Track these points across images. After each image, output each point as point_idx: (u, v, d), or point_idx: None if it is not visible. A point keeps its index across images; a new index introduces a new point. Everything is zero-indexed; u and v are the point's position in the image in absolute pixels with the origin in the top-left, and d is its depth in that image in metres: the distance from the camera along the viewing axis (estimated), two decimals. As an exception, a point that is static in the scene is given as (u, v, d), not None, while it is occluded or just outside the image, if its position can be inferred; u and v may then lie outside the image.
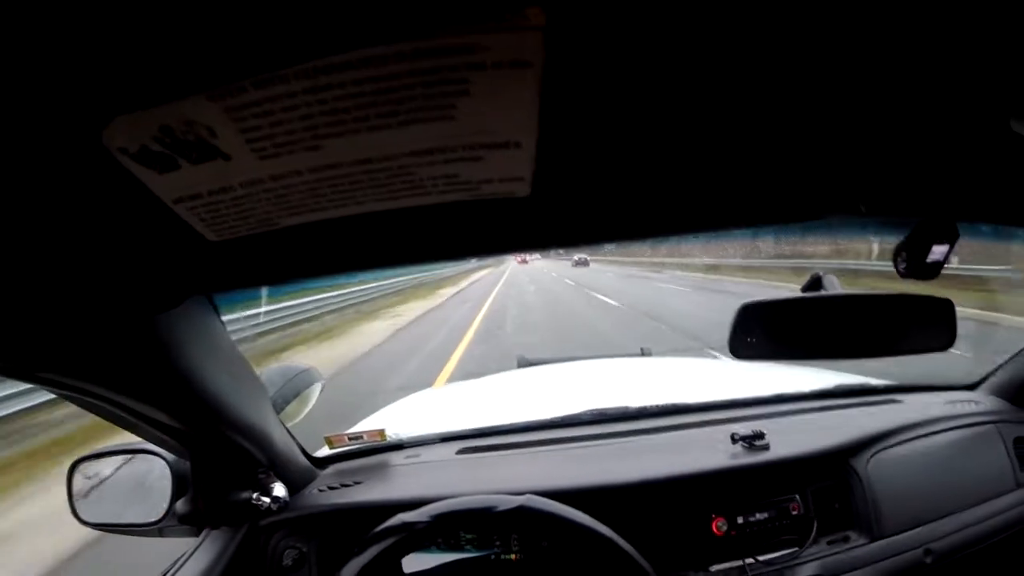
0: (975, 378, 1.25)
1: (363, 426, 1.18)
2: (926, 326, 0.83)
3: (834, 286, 0.79)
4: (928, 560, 0.92)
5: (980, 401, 1.16)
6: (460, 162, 0.29)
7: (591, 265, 32.94)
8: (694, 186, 0.39)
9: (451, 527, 0.69)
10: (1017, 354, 1.17)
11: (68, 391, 0.51)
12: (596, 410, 1.14)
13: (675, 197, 0.41)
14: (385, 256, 0.44)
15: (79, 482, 0.91)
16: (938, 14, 0.23)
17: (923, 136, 0.36)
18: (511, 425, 1.12)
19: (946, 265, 0.59)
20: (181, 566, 0.81)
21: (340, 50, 0.21)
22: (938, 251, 0.62)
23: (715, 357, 3.24)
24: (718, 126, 0.31)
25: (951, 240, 0.60)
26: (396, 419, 1.34)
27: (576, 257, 34.88)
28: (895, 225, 0.68)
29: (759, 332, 0.73)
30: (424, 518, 0.66)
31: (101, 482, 0.95)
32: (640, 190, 0.38)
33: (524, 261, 49.38)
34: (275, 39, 0.20)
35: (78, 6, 0.17)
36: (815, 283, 0.79)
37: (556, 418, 1.13)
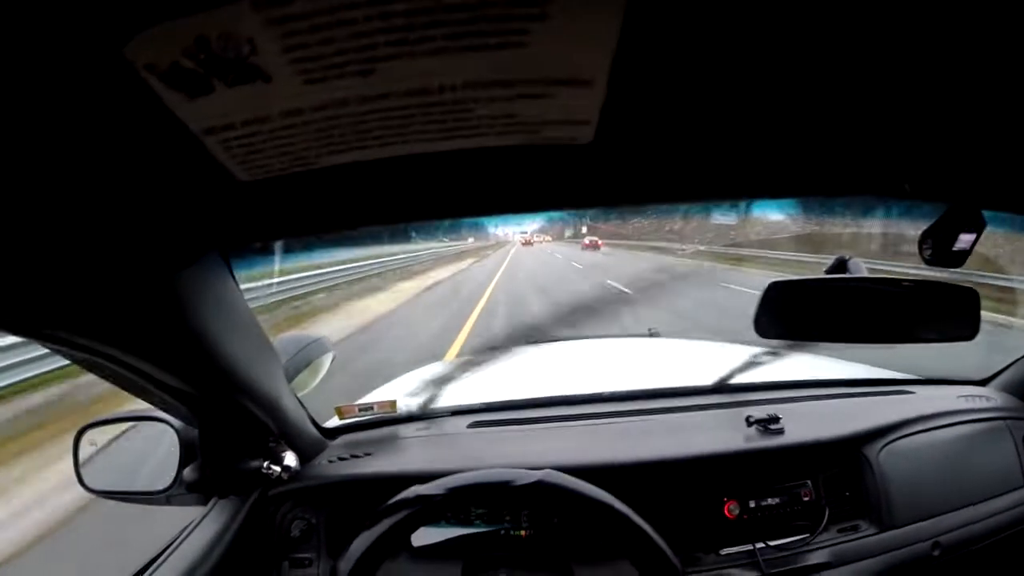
0: (987, 374, 1.24)
1: (374, 397, 1.17)
2: (950, 315, 0.82)
3: (859, 269, 0.78)
4: (936, 553, 0.92)
5: (991, 397, 1.16)
6: (523, 99, 0.27)
7: (602, 248, 29.54)
8: (752, 149, 0.38)
9: (466, 501, 0.68)
10: None
11: (76, 350, 0.48)
12: (609, 389, 1.14)
13: (731, 159, 0.39)
14: (426, 207, 0.41)
15: (86, 449, 0.90)
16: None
17: (976, 119, 0.34)
18: (523, 400, 1.11)
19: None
20: (188, 535, 0.80)
21: None
22: (965, 239, 0.61)
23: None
24: (784, 91, 0.30)
25: (978, 229, 0.59)
26: (407, 391, 1.34)
27: (585, 241, 32.25)
28: (925, 211, 0.67)
29: (784, 312, 0.72)
30: (440, 491, 0.65)
31: (108, 449, 0.94)
32: (700, 149, 0.37)
33: (528, 243, 46.19)
34: None
35: None
36: (840, 265, 0.78)
37: (569, 395, 1.12)
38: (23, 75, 0.22)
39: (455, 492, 0.65)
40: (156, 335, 0.51)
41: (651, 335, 1.81)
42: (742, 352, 1.52)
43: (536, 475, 0.65)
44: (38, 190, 0.29)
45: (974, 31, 0.25)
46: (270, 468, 0.79)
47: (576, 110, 0.29)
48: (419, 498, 0.65)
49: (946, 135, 0.37)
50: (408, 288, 11.22)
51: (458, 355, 4.90)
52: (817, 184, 0.45)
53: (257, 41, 0.21)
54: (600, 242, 31.58)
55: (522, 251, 32.37)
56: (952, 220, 0.59)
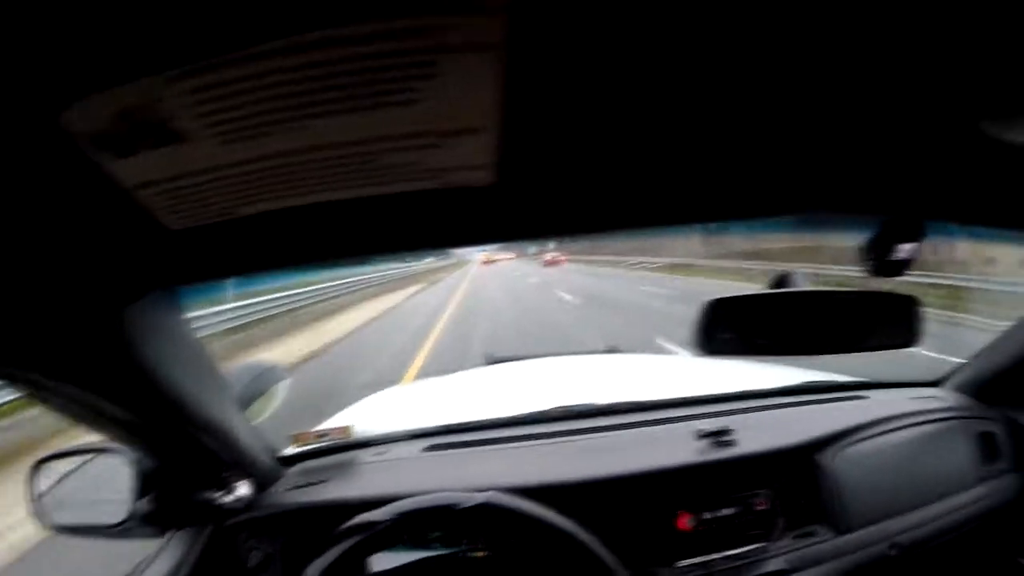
0: (940, 375, 1.27)
1: (330, 423, 1.17)
2: (892, 323, 0.84)
3: (801, 283, 0.80)
4: (893, 553, 0.94)
5: (944, 397, 1.19)
6: (423, 149, 0.29)
7: (565, 264, 29.45)
8: (658, 181, 0.39)
9: (415, 526, 0.68)
10: (980, 352, 1.20)
11: (29, 387, 0.50)
12: (564, 407, 1.14)
13: (639, 192, 0.40)
14: (349, 248, 0.44)
15: (41, 483, 0.89)
16: (912, 18, 0.23)
17: (898, 136, 0.36)
18: (479, 422, 1.11)
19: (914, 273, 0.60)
20: (145, 568, 0.79)
21: (303, 30, 0.20)
22: (904, 249, 0.63)
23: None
24: (687, 118, 0.31)
25: (918, 238, 0.61)
26: (364, 416, 1.33)
27: (547, 256, 31.39)
28: (864, 223, 0.69)
29: (726, 328, 0.74)
30: (386, 517, 0.66)
31: (64, 483, 0.93)
32: (606, 182, 0.38)
33: (490, 261, 42.98)
34: (237, 18, 0.20)
35: None
36: (782, 281, 0.80)
37: (524, 415, 1.13)
38: None
39: (402, 517, 0.66)
40: (106, 370, 0.52)
41: (609, 351, 1.83)
42: (697, 365, 1.54)
43: (480, 498, 0.66)
44: None
45: (888, 52, 0.26)
46: (224, 499, 0.79)
47: (473, 156, 0.30)
48: (367, 524, 0.65)
49: (870, 152, 0.39)
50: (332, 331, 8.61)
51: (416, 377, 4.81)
52: (741, 207, 0.47)
53: (174, 109, 0.23)
54: (563, 258, 30.84)
55: (483, 271, 30.62)
56: (891, 231, 0.62)
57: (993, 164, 0.38)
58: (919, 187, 0.47)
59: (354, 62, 0.22)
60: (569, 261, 31.41)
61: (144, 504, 0.77)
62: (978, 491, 1.07)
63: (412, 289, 18.48)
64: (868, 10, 0.22)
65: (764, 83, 0.28)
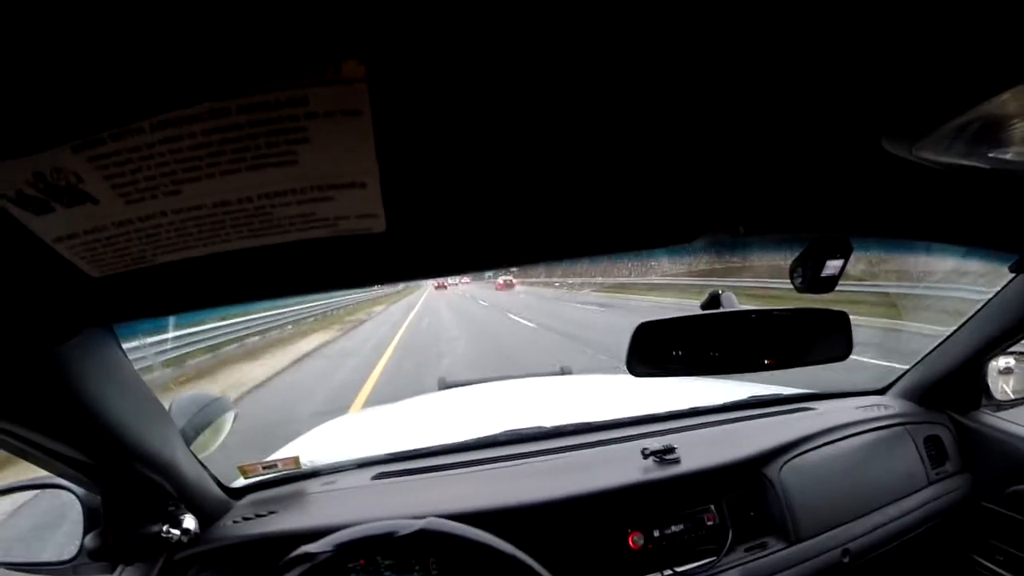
0: (884, 383, 1.31)
1: (279, 454, 1.17)
2: (825, 338, 0.87)
3: (732, 303, 0.83)
4: (846, 560, 0.96)
5: (890, 404, 1.22)
6: (313, 202, 0.30)
7: (516, 287, 29.40)
8: (552, 215, 0.40)
9: (358, 554, 0.69)
10: (923, 358, 1.24)
11: None
12: (512, 430, 1.15)
13: (534, 227, 0.42)
14: (260, 289, 0.45)
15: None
16: (811, 38, 0.24)
17: (799, 156, 0.37)
18: (428, 448, 1.12)
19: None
20: None
21: (183, 104, 0.23)
22: (833, 265, 0.65)
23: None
24: (567, 156, 0.33)
25: (845, 254, 0.63)
26: (313, 446, 1.32)
27: (501, 279, 30.19)
28: (781, 242, 0.72)
29: (657, 351, 0.76)
30: (327, 548, 0.66)
31: (9, 519, 0.92)
32: (496, 221, 0.40)
33: (443, 286, 39.26)
34: (126, 95, 0.22)
35: None
36: (713, 301, 0.82)
37: (473, 440, 1.14)
38: None
39: (341, 548, 0.66)
40: (45, 408, 0.53)
41: (562, 372, 1.85)
42: (645, 385, 1.56)
43: (419, 524, 0.67)
44: None
45: (793, 74, 0.27)
46: (170, 532, 0.79)
47: (362, 207, 0.32)
48: (306, 555, 0.66)
49: (771, 175, 0.40)
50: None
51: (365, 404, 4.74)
52: (636, 238, 0.48)
53: (81, 174, 0.25)
54: (515, 281, 30.67)
55: (434, 297, 28.57)
56: (819, 248, 0.64)
57: (897, 180, 0.40)
58: (831, 206, 0.49)
59: (235, 130, 0.24)
60: (520, 283, 31.33)
61: (90, 539, 0.76)
62: (928, 493, 1.10)
63: (352, 323, 14.83)
64: (764, 36, 0.24)
65: (661, 112, 0.30)
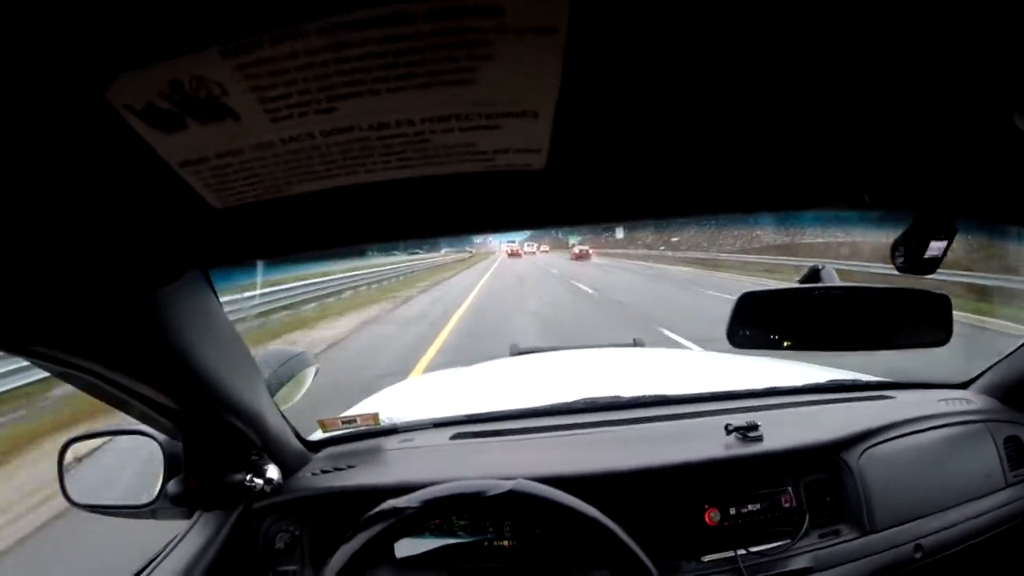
0: (967, 377, 1.26)
1: (357, 410, 1.18)
2: (923, 321, 0.83)
3: (832, 278, 0.79)
4: (918, 555, 0.93)
5: (971, 400, 1.17)
6: (477, 130, 0.28)
7: (593, 258, 28.84)
8: (705, 169, 0.39)
9: (442, 512, 0.69)
10: (1008, 355, 1.18)
11: (62, 366, 0.50)
12: (589, 398, 1.14)
13: (686, 179, 0.40)
14: (393, 228, 0.43)
15: (71, 463, 0.91)
16: (943, 10, 0.23)
17: (928, 130, 0.36)
18: (504, 412, 1.12)
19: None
20: (173, 548, 0.80)
21: (362, 5, 0.20)
22: (936, 247, 0.62)
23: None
24: (733, 111, 0.31)
25: (949, 236, 0.60)
26: (390, 404, 1.34)
27: (576, 250, 30.31)
28: (895, 219, 0.68)
29: (757, 322, 0.74)
30: (414, 503, 0.66)
31: (93, 463, 0.94)
32: (653, 170, 0.38)
33: (517, 253, 39.27)
34: None
35: None
36: (813, 275, 0.79)
37: (549, 406, 1.13)
38: (14, 110, 0.23)
39: (429, 504, 0.66)
40: (139, 351, 0.52)
41: (635, 344, 1.82)
42: (723, 360, 1.53)
43: (508, 485, 0.66)
44: (24, 215, 0.30)
45: (920, 48, 0.26)
46: (253, 481, 0.80)
47: (527, 139, 0.30)
48: (394, 510, 0.66)
49: (900, 146, 0.39)
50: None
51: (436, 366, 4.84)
52: (775, 199, 0.47)
53: (226, 84, 0.23)
54: (591, 251, 30.53)
55: (506, 265, 27.56)
56: (922, 228, 0.61)
57: None
58: (953, 182, 0.47)
59: (412, 40, 0.22)
60: (598, 255, 30.80)
61: (173, 485, 0.78)
62: (1005, 495, 1.06)
63: (418, 287, 15.14)
64: (902, 7, 0.22)
65: (806, 80, 0.28)
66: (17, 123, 0.24)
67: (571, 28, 0.22)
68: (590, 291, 11.73)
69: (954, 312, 0.83)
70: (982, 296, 6.71)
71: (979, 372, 1.24)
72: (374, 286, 13.86)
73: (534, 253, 43.23)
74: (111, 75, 0.22)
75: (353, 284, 12.86)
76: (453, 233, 0.44)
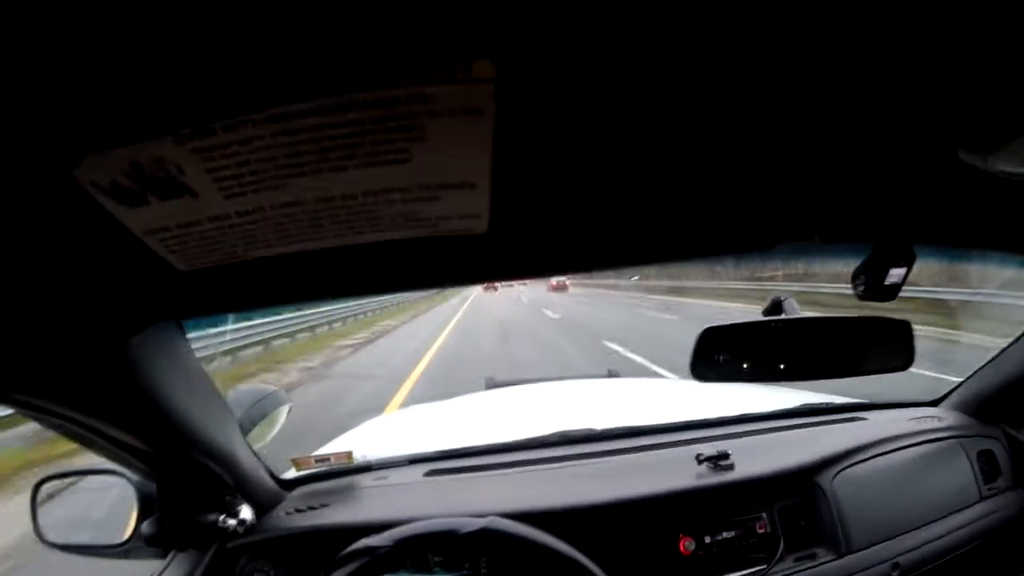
0: (938, 394, 1.28)
1: (330, 448, 1.17)
2: (886, 346, 0.85)
3: (794, 309, 0.81)
4: (895, 574, 0.94)
5: (943, 417, 1.19)
6: (418, 201, 0.30)
7: (570, 289, 28.00)
8: (644, 221, 0.41)
9: (416, 550, 0.69)
10: (978, 370, 1.20)
11: (37, 412, 0.51)
12: (563, 432, 1.15)
13: (626, 232, 0.42)
14: (349, 286, 0.46)
15: (44, 502, 0.90)
16: (887, 54, 0.24)
17: (875, 167, 0.37)
18: (478, 447, 1.12)
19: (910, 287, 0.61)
20: None
21: (304, 98, 0.22)
22: (896, 274, 0.63)
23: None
24: (667, 165, 0.33)
25: (908, 263, 0.62)
26: (363, 441, 1.33)
27: (553, 281, 27.79)
28: (850, 250, 0.70)
29: (721, 355, 0.75)
30: (387, 542, 0.66)
31: (66, 503, 0.93)
32: (593, 226, 0.40)
33: (493, 287, 35.21)
34: (242, 86, 0.21)
35: (58, 53, 0.18)
36: (776, 307, 0.81)
37: (523, 440, 1.13)
38: None
39: (402, 543, 0.66)
40: (112, 396, 0.54)
41: (609, 375, 1.83)
42: (696, 389, 1.54)
43: (481, 523, 0.66)
44: (3, 276, 0.32)
45: (872, 89, 0.27)
46: (227, 522, 0.80)
47: (467, 208, 0.32)
48: (367, 549, 0.66)
49: (848, 185, 0.40)
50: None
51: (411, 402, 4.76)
52: (718, 245, 0.48)
53: (183, 165, 0.24)
54: (568, 283, 29.01)
55: (482, 299, 25.68)
56: (882, 256, 0.62)
57: (973, 190, 0.39)
58: (903, 215, 0.48)
59: (351, 126, 0.24)
60: (574, 285, 29.59)
61: (147, 526, 0.77)
62: (979, 509, 1.07)
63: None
64: (846, 49, 0.23)
65: (748, 125, 0.30)
66: None
67: (498, 109, 0.24)
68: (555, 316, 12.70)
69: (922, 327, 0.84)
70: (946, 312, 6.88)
71: (949, 389, 1.26)
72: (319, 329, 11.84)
73: (511, 285, 38.70)
74: (78, 157, 0.23)
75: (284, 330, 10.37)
76: (404, 289, 0.46)
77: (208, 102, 0.22)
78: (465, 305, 20.34)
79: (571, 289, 28.46)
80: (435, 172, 0.28)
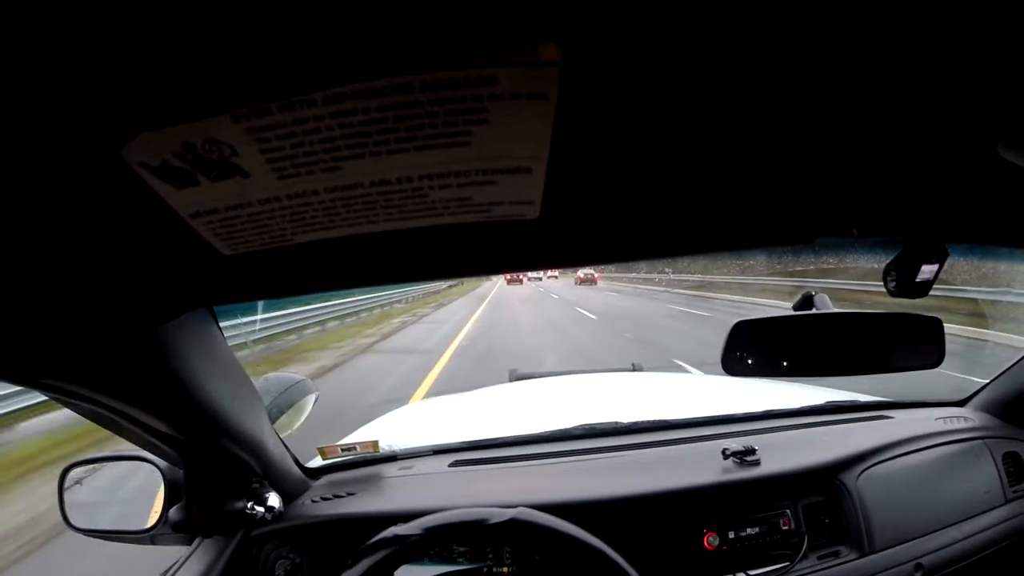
0: (964, 394, 1.26)
1: (356, 437, 1.18)
2: (916, 344, 0.84)
3: (825, 304, 0.80)
4: (919, 575, 0.93)
5: (969, 417, 1.18)
6: (473, 185, 0.30)
7: (599, 283, 26.97)
8: (692, 212, 0.40)
9: (443, 540, 0.69)
10: (1005, 371, 1.19)
11: (68, 397, 0.51)
12: (588, 425, 1.15)
13: (674, 222, 0.42)
14: (393, 272, 0.45)
15: (71, 488, 0.91)
16: (929, 45, 0.23)
17: (914, 161, 0.37)
18: (503, 439, 1.12)
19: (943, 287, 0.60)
20: (173, 574, 0.80)
21: (365, 77, 0.21)
22: (928, 270, 0.63)
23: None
24: (717, 156, 0.33)
25: (940, 260, 0.61)
26: (389, 431, 1.34)
27: (580, 274, 27.74)
28: (885, 245, 0.69)
29: (751, 349, 0.74)
30: (416, 531, 0.66)
31: (94, 488, 0.95)
32: (642, 215, 0.40)
33: (517, 279, 33.61)
34: (302, 65, 0.21)
35: (112, 26, 0.18)
36: (806, 302, 0.80)
37: (548, 432, 1.13)
38: (38, 165, 0.25)
39: (431, 532, 0.66)
40: (145, 383, 0.54)
41: (634, 369, 1.83)
42: (721, 384, 1.54)
43: (509, 513, 0.66)
44: (41, 259, 0.32)
45: (909, 81, 0.27)
46: (254, 509, 0.80)
47: (521, 193, 0.32)
48: (396, 538, 0.66)
49: (888, 179, 0.40)
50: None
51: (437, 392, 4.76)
52: (764, 236, 0.48)
53: (236, 145, 0.24)
54: (596, 275, 28.11)
55: (505, 293, 23.93)
56: (914, 252, 0.62)
57: (1010, 187, 0.39)
58: (940, 210, 0.48)
59: (412, 107, 0.23)
60: (602, 279, 28.59)
61: (174, 512, 0.78)
62: (1004, 511, 1.06)
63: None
64: (889, 41, 0.23)
65: (793, 116, 0.29)
66: (37, 171, 0.25)
67: (560, 94, 0.23)
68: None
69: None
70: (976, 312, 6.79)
71: (976, 389, 1.25)
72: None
73: (540, 279, 37.47)
74: (128, 135, 0.23)
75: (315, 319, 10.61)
76: (451, 276, 0.46)
77: (266, 80, 0.21)
78: (482, 307, 16.64)
79: (600, 283, 27.26)
80: (493, 156, 0.27)
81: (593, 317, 11.13)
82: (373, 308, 14.82)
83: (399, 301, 16.93)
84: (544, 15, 0.20)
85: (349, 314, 12.70)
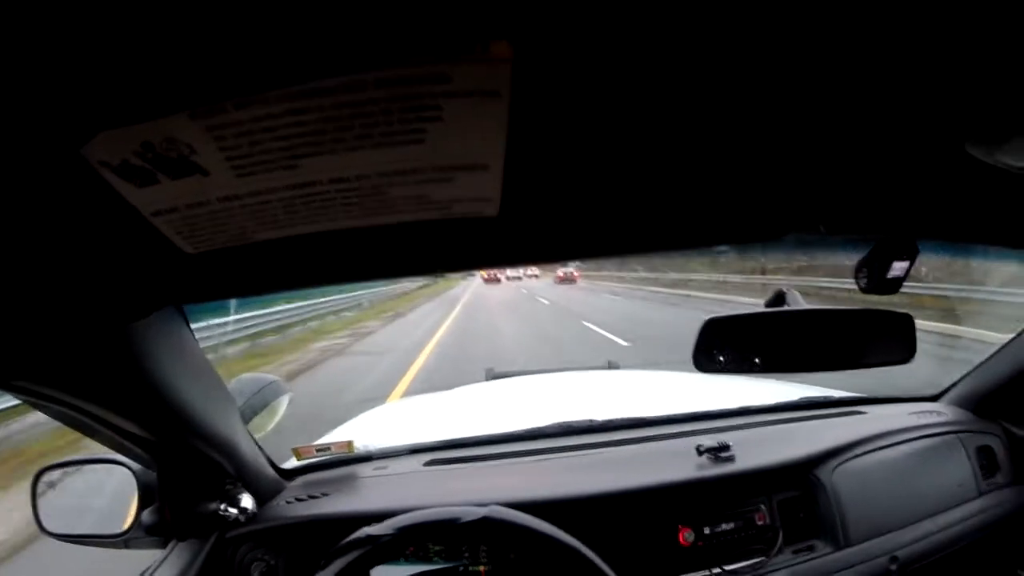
0: (937, 389, 1.28)
1: (331, 437, 1.18)
2: (887, 340, 0.85)
3: (797, 301, 0.81)
4: (893, 568, 0.94)
5: (943, 412, 1.20)
6: (430, 183, 0.30)
7: (578, 282, 25.53)
8: (654, 208, 0.41)
9: (416, 539, 0.69)
10: (978, 366, 1.21)
11: (38, 399, 0.51)
12: (563, 423, 1.15)
13: (637, 218, 0.42)
14: (357, 270, 0.45)
15: (44, 492, 0.90)
16: (897, 43, 0.24)
17: (882, 159, 0.37)
18: (479, 437, 1.12)
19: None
20: None
21: (321, 76, 0.22)
22: (898, 267, 0.63)
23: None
24: (676, 152, 0.33)
25: (911, 256, 0.62)
26: (364, 431, 1.34)
27: (560, 272, 26.06)
28: (855, 243, 0.70)
29: (723, 346, 0.75)
30: (388, 531, 0.66)
31: (66, 492, 0.93)
32: (604, 211, 0.40)
33: (494, 279, 30.36)
34: (257, 63, 0.21)
35: (69, 27, 0.18)
36: (779, 298, 0.81)
37: (523, 430, 1.14)
38: (2, 166, 0.25)
39: (403, 531, 0.66)
40: (114, 384, 0.53)
41: (609, 367, 1.84)
42: (696, 381, 1.55)
43: (481, 511, 0.66)
44: (7, 259, 0.32)
45: (877, 81, 0.27)
46: (227, 510, 0.80)
47: (479, 190, 0.32)
48: (368, 539, 0.66)
49: (855, 176, 0.40)
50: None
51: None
52: (728, 233, 0.48)
53: (195, 144, 0.24)
54: (577, 274, 26.84)
55: (481, 294, 21.18)
56: (885, 249, 0.63)
57: (978, 184, 0.40)
58: (909, 208, 0.49)
59: (368, 105, 0.23)
60: (581, 276, 27.26)
61: (147, 515, 0.77)
62: (977, 504, 1.08)
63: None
64: (857, 39, 0.23)
65: (758, 112, 0.30)
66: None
67: (514, 91, 0.23)
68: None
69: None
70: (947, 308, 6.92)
71: (949, 385, 1.26)
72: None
73: (519, 278, 33.35)
74: (88, 135, 0.23)
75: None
76: (415, 274, 0.46)
77: (222, 78, 0.21)
78: (456, 309, 14.08)
79: (580, 281, 26.36)
80: (449, 153, 0.28)
81: (625, 344, 7.09)
82: (308, 319, 10.82)
83: (347, 309, 13.29)
84: (495, 12, 0.20)
85: (260, 332, 8.76)
